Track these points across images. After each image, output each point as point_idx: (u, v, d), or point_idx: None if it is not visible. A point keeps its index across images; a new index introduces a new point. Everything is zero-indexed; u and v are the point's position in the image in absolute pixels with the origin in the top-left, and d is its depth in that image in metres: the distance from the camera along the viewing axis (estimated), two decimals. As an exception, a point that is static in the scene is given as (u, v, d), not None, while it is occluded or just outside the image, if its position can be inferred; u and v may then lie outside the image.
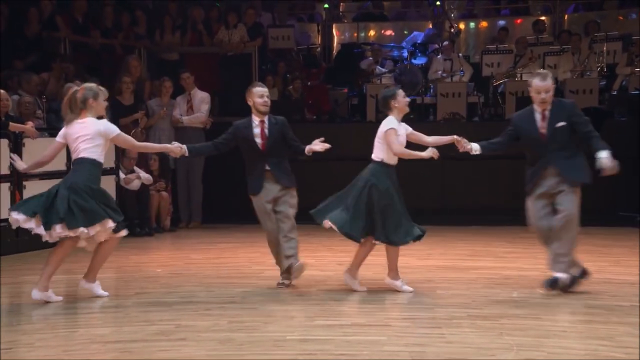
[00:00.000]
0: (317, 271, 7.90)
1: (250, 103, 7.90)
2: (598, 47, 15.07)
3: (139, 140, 9.04)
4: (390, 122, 7.52)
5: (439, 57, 15.50)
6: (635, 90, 13.96)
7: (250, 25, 14.87)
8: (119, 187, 11.34)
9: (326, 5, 18.00)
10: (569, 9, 17.51)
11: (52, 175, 9.63)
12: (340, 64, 16.56)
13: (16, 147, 9.84)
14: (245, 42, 14.61)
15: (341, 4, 18.78)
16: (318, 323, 6.46)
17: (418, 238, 7.56)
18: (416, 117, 14.14)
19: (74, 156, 7.28)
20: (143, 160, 11.88)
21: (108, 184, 10.02)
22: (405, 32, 17.88)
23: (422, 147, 7.62)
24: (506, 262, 9.32)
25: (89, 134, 7.20)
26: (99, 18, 14.16)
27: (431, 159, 7.50)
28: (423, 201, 12.17)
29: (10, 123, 9.79)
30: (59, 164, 9.84)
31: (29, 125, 9.96)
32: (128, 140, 7.69)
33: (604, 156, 7.19)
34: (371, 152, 7.61)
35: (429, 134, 7.85)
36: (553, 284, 7.31)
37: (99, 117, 7.41)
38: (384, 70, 15.72)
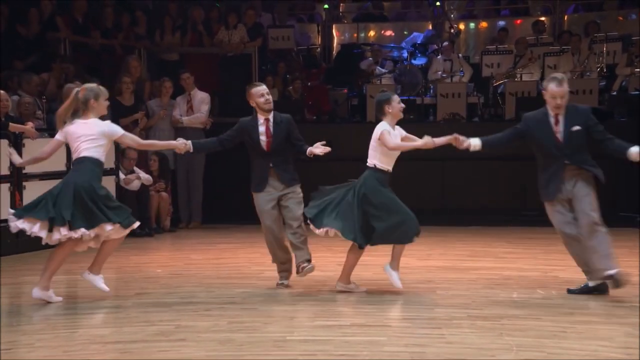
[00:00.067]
0: (317, 271, 7.89)
1: (253, 104, 7.91)
2: (598, 47, 15.05)
3: (138, 141, 9.06)
4: (382, 127, 7.44)
5: (438, 57, 15.50)
6: (635, 90, 13.95)
7: (250, 25, 14.86)
8: (118, 188, 11.33)
9: (326, 6, 17.97)
10: (568, 9, 17.50)
11: (52, 175, 9.64)
12: (340, 64, 16.55)
13: (16, 148, 9.76)
14: (245, 42, 14.61)
15: (341, 4, 18.76)
16: (318, 323, 6.47)
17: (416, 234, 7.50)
18: (416, 118, 14.16)
19: (74, 155, 7.25)
20: (143, 160, 11.88)
21: (108, 185, 9.96)
22: (405, 32, 17.87)
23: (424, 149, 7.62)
24: (506, 263, 9.32)
25: (93, 135, 7.19)
26: (99, 18, 14.16)
27: (430, 149, 7.46)
28: (423, 201, 12.14)
29: (10, 123, 9.79)
30: (59, 164, 9.85)
31: (29, 126, 9.97)
32: (134, 138, 7.72)
33: (638, 150, 7.14)
34: (371, 153, 7.60)
35: (428, 134, 7.81)
36: (615, 282, 7.12)
37: (101, 117, 7.41)
38: (383, 70, 15.72)
